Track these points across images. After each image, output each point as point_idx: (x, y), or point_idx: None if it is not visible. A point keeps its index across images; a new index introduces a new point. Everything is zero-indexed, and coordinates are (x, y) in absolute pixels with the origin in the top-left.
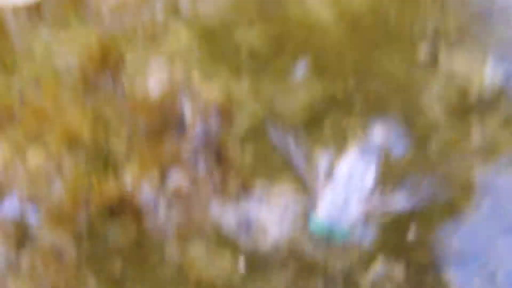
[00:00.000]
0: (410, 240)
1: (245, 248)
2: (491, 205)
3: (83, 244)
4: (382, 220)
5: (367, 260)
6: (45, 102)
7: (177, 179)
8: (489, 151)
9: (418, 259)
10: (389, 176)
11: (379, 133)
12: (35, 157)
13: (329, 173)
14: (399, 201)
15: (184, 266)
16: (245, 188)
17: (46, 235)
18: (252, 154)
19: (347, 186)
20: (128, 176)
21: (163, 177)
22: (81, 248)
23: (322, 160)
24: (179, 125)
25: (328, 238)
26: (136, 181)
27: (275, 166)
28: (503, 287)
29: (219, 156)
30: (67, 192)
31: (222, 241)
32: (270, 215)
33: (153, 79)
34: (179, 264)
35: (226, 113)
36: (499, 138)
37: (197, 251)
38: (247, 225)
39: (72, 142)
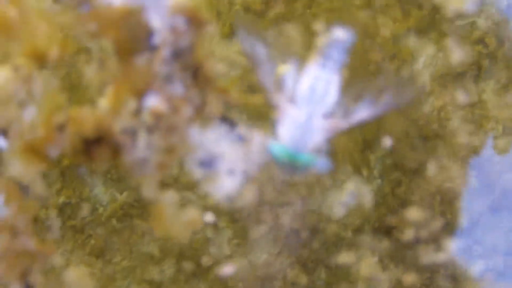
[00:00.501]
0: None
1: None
2: (479, 178)
3: (52, 183)
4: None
5: (339, 183)
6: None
7: (154, 102)
8: (480, 120)
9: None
10: (351, 84)
11: (340, 40)
12: (2, 78)
13: (293, 89)
14: (363, 110)
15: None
16: (225, 117)
17: (15, 164)
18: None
19: (310, 102)
20: (103, 103)
21: (139, 101)
22: (50, 187)
23: (287, 73)
24: (149, 41)
25: (292, 165)
26: (111, 108)
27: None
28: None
29: (196, 73)
30: (41, 117)
31: (191, 185)
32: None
33: None
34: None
35: (196, 21)
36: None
37: (168, 199)
38: (209, 163)
39: (42, 62)
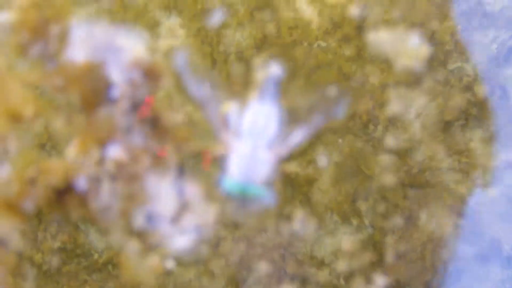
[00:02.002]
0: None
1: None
2: (468, 227)
3: (28, 233)
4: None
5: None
6: None
7: (116, 152)
8: (469, 168)
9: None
10: (285, 112)
11: (274, 75)
12: None
13: (237, 124)
14: (299, 134)
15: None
16: (181, 168)
17: None
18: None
19: (253, 135)
20: (70, 153)
21: (102, 151)
22: (25, 237)
23: (231, 112)
24: (109, 94)
25: (244, 198)
26: (78, 159)
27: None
28: None
29: (154, 123)
30: (14, 173)
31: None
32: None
33: (76, 44)
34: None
35: (152, 73)
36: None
37: (131, 248)
38: (151, 218)
39: (16, 121)
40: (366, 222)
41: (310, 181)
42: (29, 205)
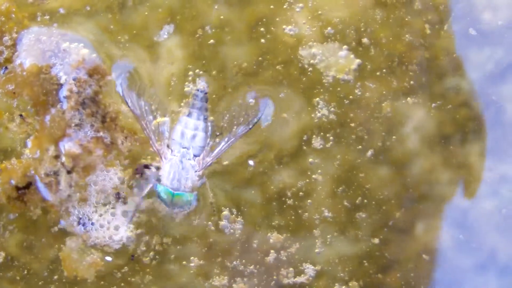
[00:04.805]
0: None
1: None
2: (466, 238)
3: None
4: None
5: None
6: None
7: (70, 147)
8: (466, 181)
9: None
10: (214, 125)
11: (203, 87)
12: None
13: (169, 136)
14: (223, 144)
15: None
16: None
17: None
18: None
19: (182, 146)
20: (28, 152)
21: (57, 147)
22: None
23: (164, 123)
24: (59, 92)
25: (173, 203)
26: (35, 156)
27: None
28: None
29: (103, 117)
30: None
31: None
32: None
33: (24, 50)
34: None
35: (98, 72)
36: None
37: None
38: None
39: None
40: (364, 234)
41: (305, 194)
42: None
